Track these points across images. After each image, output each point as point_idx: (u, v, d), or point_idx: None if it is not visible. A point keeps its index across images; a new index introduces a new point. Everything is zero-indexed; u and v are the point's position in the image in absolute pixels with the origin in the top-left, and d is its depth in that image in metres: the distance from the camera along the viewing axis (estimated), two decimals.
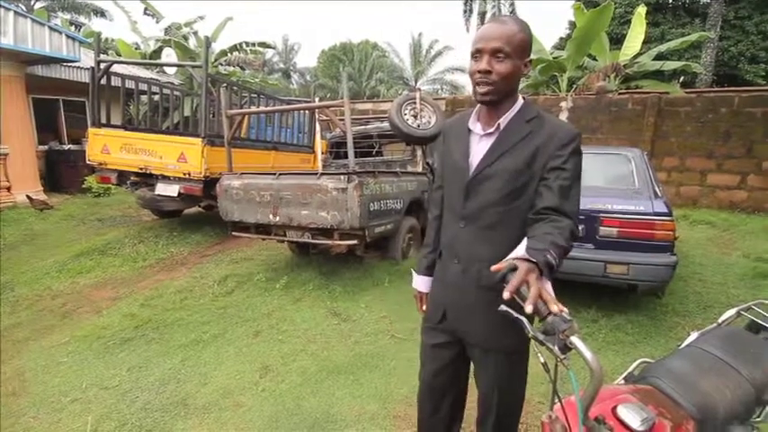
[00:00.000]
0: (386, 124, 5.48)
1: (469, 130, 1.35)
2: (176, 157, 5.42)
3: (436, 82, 30.91)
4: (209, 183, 5.19)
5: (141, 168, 5.68)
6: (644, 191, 3.18)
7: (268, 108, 5.69)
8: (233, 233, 4.43)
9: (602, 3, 9.05)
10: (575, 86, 10.86)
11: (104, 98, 6.03)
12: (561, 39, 19.52)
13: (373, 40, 34.86)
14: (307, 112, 7.69)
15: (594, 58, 10.76)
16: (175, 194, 5.50)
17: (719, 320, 1.77)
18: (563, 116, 8.30)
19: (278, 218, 3.91)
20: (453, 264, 1.38)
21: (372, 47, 34.58)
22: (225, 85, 5.45)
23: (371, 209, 3.71)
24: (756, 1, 15.17)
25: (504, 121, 1.28)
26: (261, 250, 5.37)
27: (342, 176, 3.57)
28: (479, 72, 1.22)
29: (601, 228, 3.05)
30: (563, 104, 8.22)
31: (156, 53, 12.02)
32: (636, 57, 10.28)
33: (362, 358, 2.83)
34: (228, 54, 13.48)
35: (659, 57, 10.62)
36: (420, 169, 4.96)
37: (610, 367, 2.66)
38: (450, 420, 1.61)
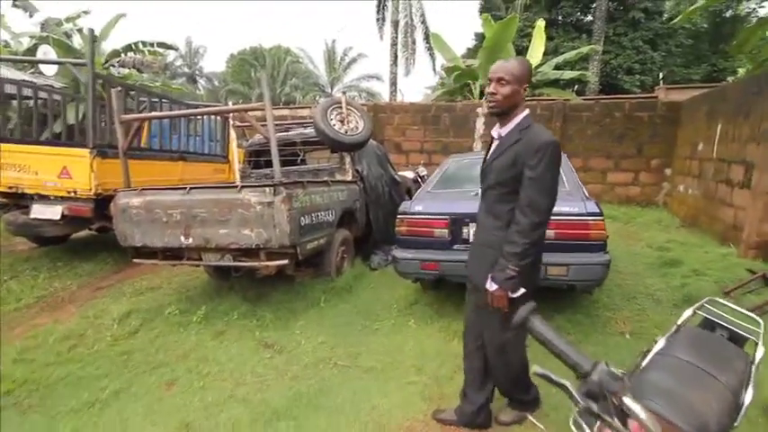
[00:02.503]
0: (309, 130, 5.13)
1: (492, 136, 1.93)
2: (57, 173, 4.54)
3: (352, 89, 30.95)
4: (102, 201, 4.41)
5: (11, 188, 4.67)
6: (575, 192, 3.25)
7: (172, 113, 5.00)
8: (134, 260, 3.76)
9: (507, 16, 9.62)
10: (486, 94, 11.41)
11: None
12: (468, 49, 20.67)
13: (286, 46, 33.96)
14: (218, 118, 7.03)
15: None
16: (58, 217, 4.59)
17: (678, 322, 1.74)
18: (479, 122, 8.61)
19: (191, 240, 3.37)
20: (476, 229, 2.03)
21: (285, 52, 33.66)
22: (118, 87, 4.68)
23: (302, 223, 3.35)
24: (630, 20, 17.41)
25: (505, 130, 1.82)
26: (171, 277, 4.69)
27: (267, 188, 3.16)
28: (489, 93, 1.80)
29: None
30: (479, 110, 8.53)
31: (31, 51, 10.25)
32: (537, 67, 11.11)
33: (304, 397, 2.47)
34: (122, 55, 11.99)
35: (557, 67, 11.61)
36: (350, 177, 4.68)
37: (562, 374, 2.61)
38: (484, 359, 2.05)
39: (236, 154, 5.23)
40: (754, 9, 20.77)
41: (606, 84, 17.50)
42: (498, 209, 1.83)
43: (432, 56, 21.03)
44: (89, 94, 4.41)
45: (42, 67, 8.05)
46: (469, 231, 3.22)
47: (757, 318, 1.70)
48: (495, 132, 1.88)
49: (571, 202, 3.07)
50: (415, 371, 2.72)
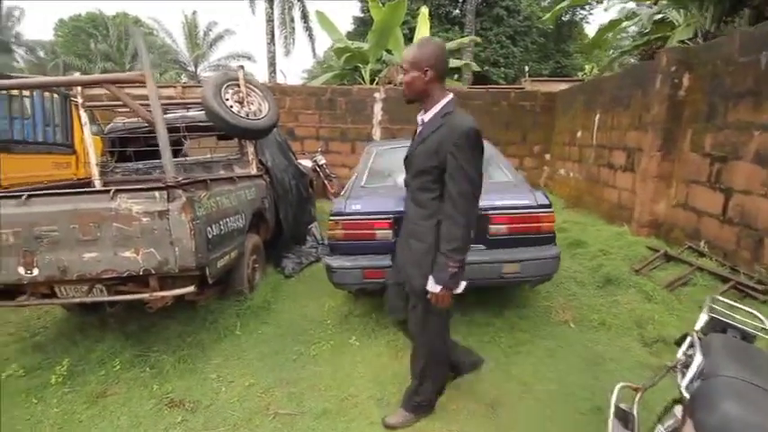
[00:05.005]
0: (194, 113, 4.16)
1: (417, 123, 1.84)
2: None
3: (220, 68, 28.17)
4: None
5: None
6: (520, 184, 3.11)
7: None
8: None
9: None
10: (377, 78, 11.18)
11: None
12: (349, 33, 20.21)
13: (133, 14, 29.16)
14: (55, 95, 5.39)
15: (390, 53, 11.28)
16: None
17: (697, 327, 1.61)
18: (377, 107, 8.31)
19: (36, 271, 2.33)
20: (404, 219, 1.95)
21: (134, 22, 28.87)
22: None
23: (210, 235, 2.56)
24: (494, 16, 18.91)
25: (428, 116, 1.75)
26: (4, 313, 3.38)
27: (157, 192, 2.30)
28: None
29: (491, 226, 2.80)
30: (376, 95, 8.21)
31: None
32: None
33: None
34: None
35: None
36: (254, 171, 3.90)
37: (532, 377, 2.44)
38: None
39: (90, 142, 3.97)
40: (585, 16, 24.50)
41: (478, 75, 18.86)
42: (422, 198, 1.76)
43: (311, 37, 20.07)
44: None
45: None
46: None
47: (757, 313, 1.66)
48: (419, 118, 1.81)
49: (519, 194, 2.90)
50: (375, 403, 2.28)
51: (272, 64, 16.98)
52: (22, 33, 26.33)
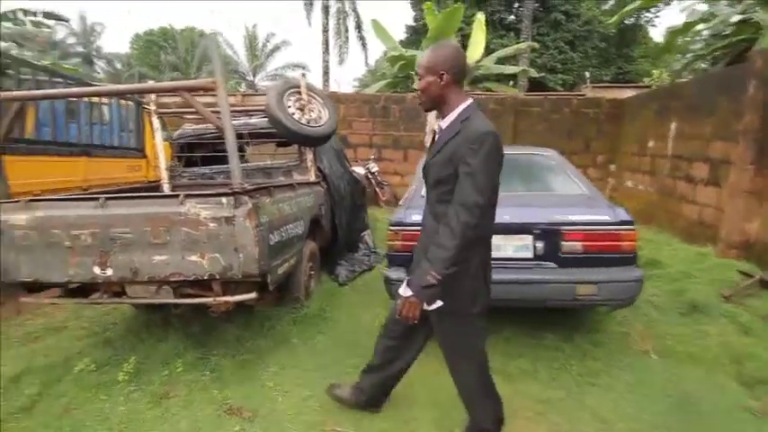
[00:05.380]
0: (256, 120, 4.25)
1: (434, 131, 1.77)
2: None
3: (277, 78, 29.31)
4: None
5: None
6: (597, 197, 2.87)
7: (68, 91, 3.74)
8: (22, 300, 2.68)
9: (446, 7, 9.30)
10: None
11: None
12: (401, 42, 20.32)
13: (200, 28, 31.12)
14: (130, 103, 5.76)
15: None
16: None
17: None
18: (432, 115, 8.19)
19: (110, 271, 2.42)
20: (422, 231, 1.81)
21: (200, 35, 30.80)
22: None
23: (272, 242, 2.55)
24: (552, 21, 18.27)
25: (445, 122, 1.66)
26: (79, 309, 3.58)
27: (224, 198, 2.32)
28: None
29: (564, 243, 2.59)
30: None
31: None
32: (479, 61, 11.01)
33: None
34: None
35: (497, 62, 11.62)
36: (313, 178, 3.91)
37: (612, 413, 2.20)
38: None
39: (161, 148, 4.16)
40: (651, 19, 23.10)
41: (534, 82, 18.27)
42: (441, 210, 1.62)
43: (364, 45, 20.37)
44: None
45: None
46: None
47: None
48: (435, 126, 1.76)
49: (597, 209, 2.67)
50: (435, 428, 2.14)
51: (325, 73, 17.41)
52: (101, 47, 28.82)
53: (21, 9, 10.35)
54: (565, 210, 2.66)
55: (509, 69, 10.86)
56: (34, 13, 10.68)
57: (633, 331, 3.05)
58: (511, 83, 14.26)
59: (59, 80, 4.63)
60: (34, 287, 2.65)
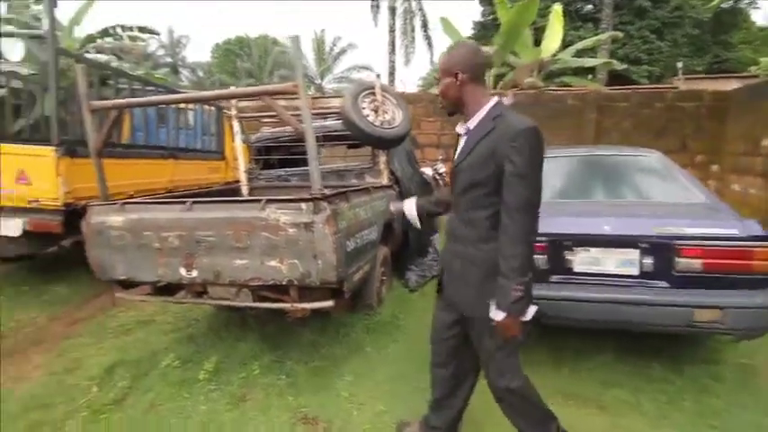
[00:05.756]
0: (330, 122, 4.25)
1: (458, 134, 1.65)
2: (14, 177, 3.58)
3: (343, 80, 29.97)
4: (75, 213, 3.47)
5: None
6: (721, 207, 2.47)
7: (160, 98, 4.00)
8: (117, 295, 2.86)
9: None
10: (500, 82, 10.61)
11: None
12: (469, 38, 19.80)
13: (272, 35, 32.70)
14: (212, 108, 6.08)
15: (517, 55, 10.61)
16: (18, 233, 3.65)
17: None
18: None
19: (195, 272, 2.48)
20: (450, 243, 1.70)
21: (272, 42, 32.36)
22: (83, 65, 3.69)
23: (349, 249, 2.48)
24: (636, 9, 16.79)
25: (473, 122, 1.56)
26: (165, 304, 3.77)
27: (304, 204, 2.28)
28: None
29: (678, 260, 2.24)
30: (504, 100, 7.70)
31: None
32: (555, 54, 10.35)
33: None
34: (99, 40, 10.75)
35: (575, 55, 10.85)
36: (386, 181, 3.82)
37: None
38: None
39: (240, 151, 4.30)
40: (752, 1, 20.46)
41: (613, 75, 16.91)
42: (476, 216, 1.55)
43: (430, 44, 20.13)
44: (51, 74, 3.44)
45: (5, 51, 6.91)
46: (574, 258, 2.41)
47: None
48: (460, 128, 1.63)
49: (721, 221, 2.28)
50: None
51: (391, 73, 17.42)
52: (186, 57, 31.33)
53: (119, 25, 11.35)
54: (679, 221, 2.30)
55: (589, 62, 10.12)
56: (131, 28, 11.66)
57: (761, 364, 2.59)
58: (589, 76, 13.27)
59: (151, 88, 4.97)
60: (127, 284, 2.81)
